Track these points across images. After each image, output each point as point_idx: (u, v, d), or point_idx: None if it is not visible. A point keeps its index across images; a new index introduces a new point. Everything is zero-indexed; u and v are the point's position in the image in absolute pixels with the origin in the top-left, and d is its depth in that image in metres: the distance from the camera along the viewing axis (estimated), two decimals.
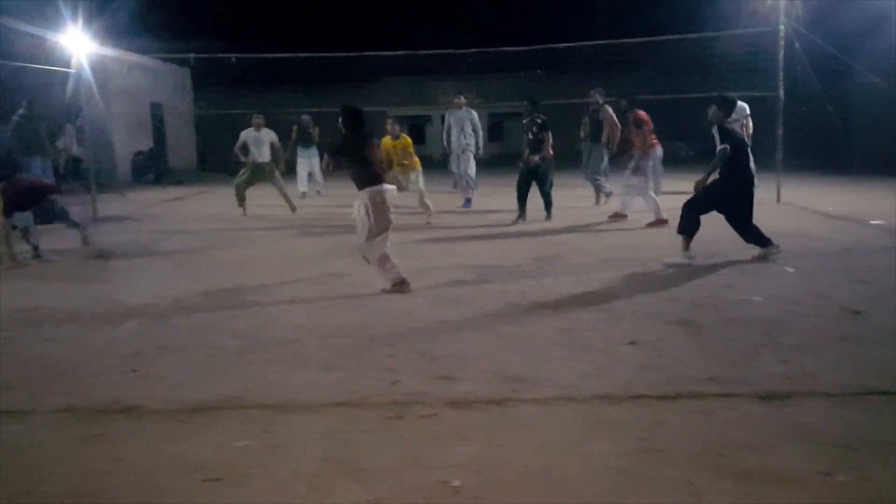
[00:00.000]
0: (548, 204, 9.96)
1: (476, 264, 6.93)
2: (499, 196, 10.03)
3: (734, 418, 3.19)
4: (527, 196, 9.84)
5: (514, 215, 9.81)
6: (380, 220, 5.85)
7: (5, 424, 3.31)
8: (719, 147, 6.65)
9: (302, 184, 14.81)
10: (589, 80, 15.76)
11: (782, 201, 11.17)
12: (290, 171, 12.92)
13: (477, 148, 11.93)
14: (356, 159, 5.96)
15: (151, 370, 4.02)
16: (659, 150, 9.78)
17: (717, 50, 13.74)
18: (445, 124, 12.25)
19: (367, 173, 5.92)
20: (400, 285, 5.78)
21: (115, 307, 5.54)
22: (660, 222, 9.10)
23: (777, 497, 2.54)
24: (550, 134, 9.71)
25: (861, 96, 17.79)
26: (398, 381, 3.73)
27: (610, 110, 11.26)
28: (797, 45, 11.21)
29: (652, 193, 9.44)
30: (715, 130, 6.76)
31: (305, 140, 14.67)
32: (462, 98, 12.29)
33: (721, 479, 2.65)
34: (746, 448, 2.90)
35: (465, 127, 11.86)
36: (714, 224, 6.99)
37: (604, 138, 11.25)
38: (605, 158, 11.52)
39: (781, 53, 11.23)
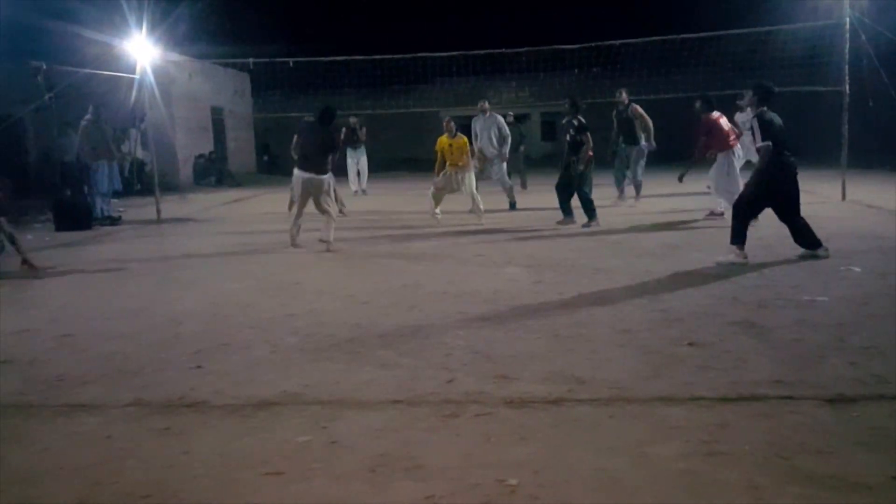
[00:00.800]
0: (587, 209, 9.39)
1: (530, 264, 6.91)
2: (551, 195, 9.94)
3: (799, 422, 3.11)
4: (568, 200, 9.65)
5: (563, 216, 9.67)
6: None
7: (79, 418, 3.44)
8: (760, 144, 6.47)
9: (353, 183, 15.09)
10: (645, 78, 15.56)
11: (848, 199, 10.81)
12: (340, 171, 13.14)
13: (502, 154, 11.65)
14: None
15: (215, 367, 4.13)
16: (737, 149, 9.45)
17: (779, 45, 13.34)
18: (472, 131, 11.83)
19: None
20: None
21: (175, 305, 5.71)
22: (715, 214, 9.14)
23: (844, 502, 2.47)
24: (589, 135, 9.38)
25: None
26: (454, 380, 3.75)
27: (637, 107, 11.26)
28: (863, 37, 10.83)
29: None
30: (755, 124, 6.52)
31: (354, 140, 14.97)
32: (485, 103, 11.91)
33: (786, 484, 2.58)
34: (812, 452, 2.82)
35: (490, 133, 11.55)
36: (769, 222, 6.81)
37: (643, 139, 11.25)
38: (643, 159, 11.53)
39: (847, 47, 10.86)
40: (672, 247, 7.65)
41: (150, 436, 3.20)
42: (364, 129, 15.26)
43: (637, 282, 5.97)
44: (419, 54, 14.89)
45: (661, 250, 7.47)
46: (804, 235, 6.70)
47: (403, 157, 25.56)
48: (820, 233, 7.26)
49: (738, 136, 9.45)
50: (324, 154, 8.08)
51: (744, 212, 6.69)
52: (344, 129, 14.94)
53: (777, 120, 6.65)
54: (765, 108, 6.63)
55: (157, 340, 4.72)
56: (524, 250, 7.73)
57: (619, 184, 11.77)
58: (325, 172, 8.10)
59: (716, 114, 9.16)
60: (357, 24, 31.09)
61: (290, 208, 8.43)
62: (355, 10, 31.73)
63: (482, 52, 14.68)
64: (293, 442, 3.08)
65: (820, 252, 6.66)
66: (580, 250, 7.59)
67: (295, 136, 8.38)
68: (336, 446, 3.04)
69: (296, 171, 8.15)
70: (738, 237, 6.62)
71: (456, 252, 7.80)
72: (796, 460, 2.75)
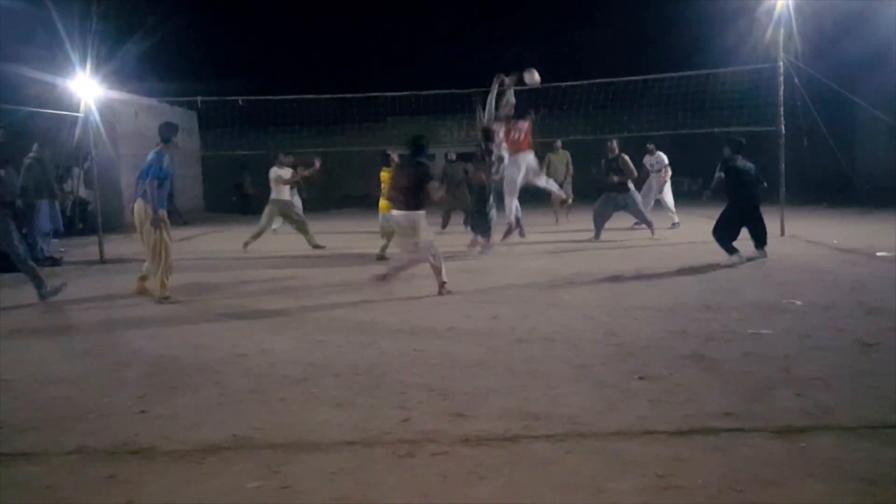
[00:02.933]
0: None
1: (484, 300, 6.92)
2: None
3: (751, 454, 3.16)
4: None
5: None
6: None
7: (19, 466, 3.29)
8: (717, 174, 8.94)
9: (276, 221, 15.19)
10: (588, 119, 15.96)
11: (787, 234, 11.18)
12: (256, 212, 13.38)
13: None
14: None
15: (162, 411, 4.00)
16: None
17: (718, 87, 13.86)
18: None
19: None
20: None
21: (122, 348, 5.54)
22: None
23: None
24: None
25: (864, 129, 17.94)
26: (410, 419, 3.71)
27: (626, 157, 11.93)
28: (796, 80, 11.32)
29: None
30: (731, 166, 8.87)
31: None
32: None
33: None
34: (765, 484, 2.87)
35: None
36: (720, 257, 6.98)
37: (625, 182, 11.88)
38: (638, 197, 12.29)
39: (781, 89, 11.34)
40: (622, 281, 7.77)
41: (93, 484, 3.07)
42: (299, 169, 15.50)
43: (590, 316, 6.04)
44: (370, 94, 15.01)
45: (612, 285, 7.58)
46: (724, 239, 8.80)
47: (354, 195, 25.62)
48: (762, 267, 7.51)
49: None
50: (415, 189, 7.41)
51: (722, 230, 8.89)
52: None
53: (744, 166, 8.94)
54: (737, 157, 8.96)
55: (101, 384, 4.56)
56: (477, 286, 7.75)
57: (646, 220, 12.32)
58: (419, 208, 7.45)
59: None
60: (308, 62, 31.23)
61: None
62: (307, 49, 31.89)
63: (432, 92, 14.87)
64: (244, 488, 2.99)
65: (734, 259, 8.60)
66: (534, 286, 7.65)
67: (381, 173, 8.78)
68: (289, 491, 2.96)
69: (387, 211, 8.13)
70: (729, 248, 8.75)
71: (410, 289, 7.77)
72: (750, 493, 2.79)
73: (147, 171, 7.33)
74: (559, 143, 15.23)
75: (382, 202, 10.05)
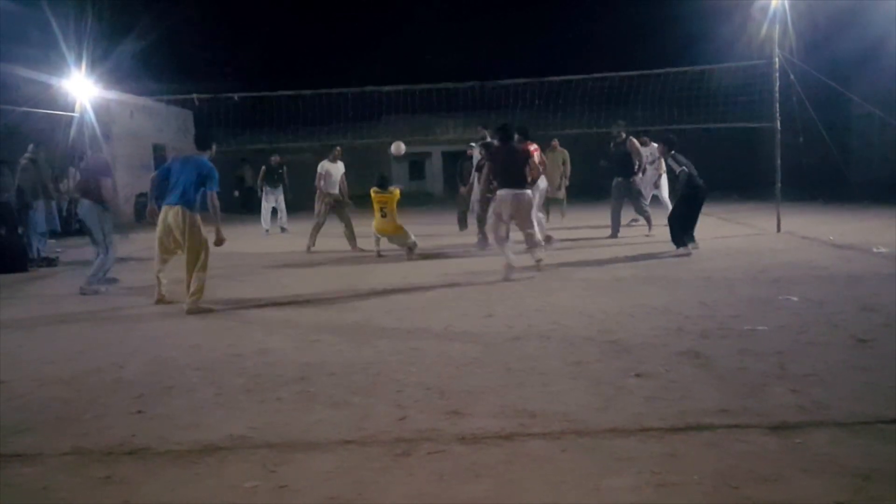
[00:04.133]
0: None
1: (480, 298, 6.93)
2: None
3: (746, 450, 3.16)
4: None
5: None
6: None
7: (15, 468, 3.28)
8: (679, 170, 9.23)
9: (266, 222, 15.15)
10: (584, 114, 15.95)
11: (783, 231, 11.20)
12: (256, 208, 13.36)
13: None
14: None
15: (158, 411, 4.00)
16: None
17: (713, 82, 13.87)
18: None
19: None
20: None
21: (118, 349, 5.53)
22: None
23: None
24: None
25: (859, 125, 17.97)
26: (406, 417, 3.72)
27: (634, 141, 11.99)
28: (792, 76, 11.34)
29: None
30: (671, 160, 9.40)
31: (274, 180, 15.35)
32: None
33: None
34: (760, 480, 2.87)
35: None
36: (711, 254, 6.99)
37: (637, 169, 11.97)
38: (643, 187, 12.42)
39: (777, 85, 11.36)
40: (618, 279, 7.78)
41: (89, 485, 3.07)
42: (285, 169, 15.60)
43: (586, 313, 6.05)
44: (366, 88, 14.98)
45: (609, 282, 7.59)
46: (677, 233, 9.35)
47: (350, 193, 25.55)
48: (757, 264, 7.53)
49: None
50: (521, 169, 8.22)
51: (675, 222, 9.39)
52: (262, 168, 15.47)
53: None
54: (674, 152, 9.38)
55: (97, 385, 4.56)
56: (474, 284, 7.75)
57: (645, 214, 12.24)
58: (527, 187, 8.29)
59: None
60: (303, 60, 31.18)
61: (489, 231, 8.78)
62: (302, 45, 31.83)
63: (428, 86, 14.85)
64: (240, 488, 3.00)
65: (681, 251, 9.18)
66: (529, 284, 7.66)
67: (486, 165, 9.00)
68: (285, 491, 2.96)
69: (502, 192, 8.19)
70: (680, 241, 9.28)
71: (405, 287, 7.77)
72: (745, 489, 2.80)
73: (195, 180, 6.92)
74: (556, 141, 14.95)
75: (378, 223, 10.14)
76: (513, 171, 8.20)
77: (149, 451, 3.41)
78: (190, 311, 6.78)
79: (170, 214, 6.92)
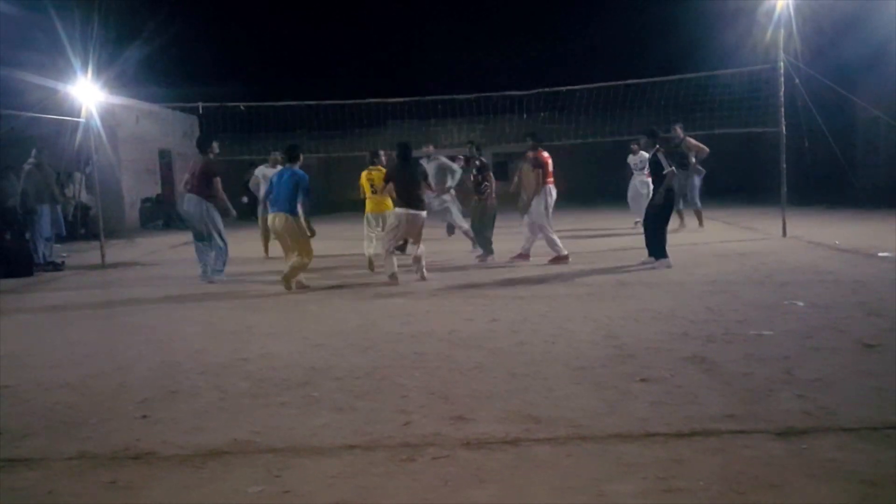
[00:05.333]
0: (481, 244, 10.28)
1: (484, 302, 6.92)
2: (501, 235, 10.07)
3: (752, 456, 3.15)
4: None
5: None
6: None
7: (20, 472, 3.29)
8: (668, 170, 8.56)
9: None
10: (590, 121, 15.96)
11: (788, 235, 11.17)
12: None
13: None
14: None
15: (163, 415, 4.00)
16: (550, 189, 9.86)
17: (718, 88, 13.87)
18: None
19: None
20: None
21: (123, 353, 5.54)
22: (560, 259, 9.50)
23: None
24: (491, 175, 10.26)
25: (864, 129, 17.89)
26: (410, 422, 3.71)
27: (691, 140, 12.61)
28: (797, 80, 11.32)
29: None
30: (661, 156, 8.70)
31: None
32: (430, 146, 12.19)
33: None
34: (766, 486, 2.86)
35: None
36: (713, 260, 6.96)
37: (693, 164, 12.53)
38: (698, 182, 12.80)
39: (782, 90, 11.34)
40: (623, 283, 7.76)
41: (94, 490, 3.07)
42: None
43: (591, 318, 6.04)
44: (371, 100, 15.02)
45: (613, 287, 7.57)
46: (653, 242, 8.79)
47: (355, 199, 25.62)
48: (763, 268, 7.51)
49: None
50: (415, 189, 8.45)
51: (651, 229, 8.80)
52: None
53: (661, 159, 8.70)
54: (659, 147, 8.81)
55: (102, 389, 4.56)
56: (478, 289, 7.75)
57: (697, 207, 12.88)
58: (422, 208, 8.53)
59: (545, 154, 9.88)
60: (309, 67, 31.26)
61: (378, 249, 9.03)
62: (309, 53, 31.92)
63: (433, 97, 14.88)
64: (244, 493, 2.99)
65: (661, 263, 8.62)
66: (532, 288, 7.65)
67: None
68: (290, 496, 2.96)
69: (398, 210, 8.56)
70: (658, 252, 8.70)
71: (409, 291, 7.77)
72: (751, 495, 2.79)
73: (292, 187, 8.08)
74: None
75: (371, 203, 9.94)
76: (409, 191, 8.43)
77: (153, 456, 3.41)
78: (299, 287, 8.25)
79: (279, 219, 8.15)
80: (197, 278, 9.19)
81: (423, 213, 8.59)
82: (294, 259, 8.19)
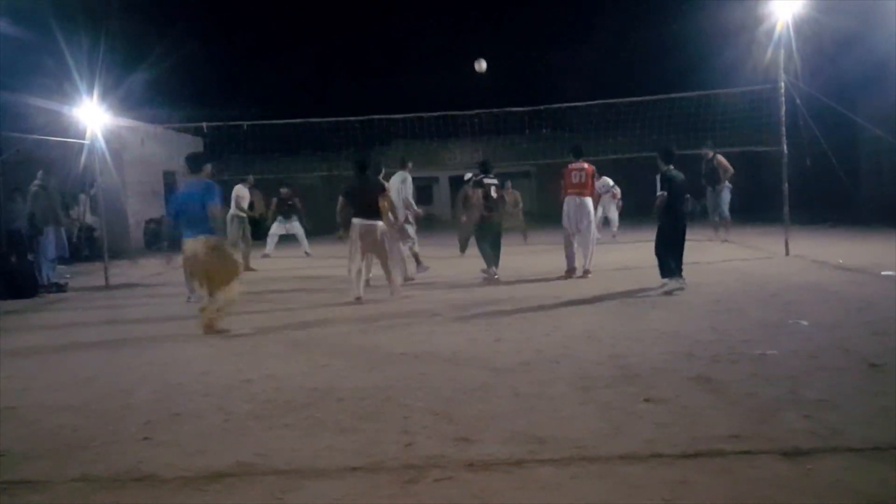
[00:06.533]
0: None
1: (488, 322, 6.91)
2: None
3: (758, 476, 3.13)
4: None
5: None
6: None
7: (23, 496, 3.28)
8: (658, 194, 8.39)
9: (269, 246, 15.36)
10: (592, 139, 16.03)
11: (792, 254, 11.15)
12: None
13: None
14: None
15: (166, 438, 3.99)
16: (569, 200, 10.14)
17: (719, 107, 13.93)
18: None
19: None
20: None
21: (126, 375, 5.54)
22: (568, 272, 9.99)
23: None
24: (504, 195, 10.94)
25: (866, 148, 17.93)
26: (414, 443, 3.69)
27: (721, 158, 13.84)
28: (797, 100, 11.37)
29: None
30: (658, 178, 8.49)
31: (285, 210, 15.60)
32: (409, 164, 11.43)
33: None
34: None
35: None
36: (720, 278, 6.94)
37: (725, 180, 13.86)
38: (727, 197, 14.07)
39: (783, 109, 11.39)
40: (628, 303, 7.75)
41: None
42: (297, 199, 15.86)
43: (595, 338, 6.02)
44: (374, 116, 15.10)
45: (618, 306, 7.56)
46: (666, 265, 8.45)
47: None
48: (767, 287, 7.50)
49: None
50: (372, 200, 8.46)
51: (661, 252, 8.48)
52: (274, 200, 15.60)
53: (678, 177, 8.41)
54: (670, 167, 8.44)
55: (105, 411, 4.56)
56: (481, 308, 7.74)
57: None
58: (378, 218, 8.46)
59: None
60: (313, 87, 31.48)
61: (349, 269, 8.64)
62: (313, 71, 32.16)
63: (437, 114, 14.96)
64: None
65: (672, 284, 8.35)
66: (536, 307, 7.64)
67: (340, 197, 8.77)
68: None
69: (354, 221, 8.47)
70: (668, 272, 8.39)
71: (411, 311, 7.77)
72: None
73: (205, 203, 6.77)
74: (509, 184, 16.48)
75: None
76: (366, 202, 8.49)
77: (156, 478, 3.40)
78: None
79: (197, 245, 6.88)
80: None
81: (379, 223, 8.47)
82: (219, 295, 6.82)
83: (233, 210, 12.11)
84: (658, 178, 8.55)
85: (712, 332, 6.10)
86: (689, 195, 9.03)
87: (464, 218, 12.56)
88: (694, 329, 6.23)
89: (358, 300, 8.35)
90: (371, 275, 9.22)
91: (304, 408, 4.42)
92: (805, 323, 6.27)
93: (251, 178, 13.13)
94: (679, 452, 3.42)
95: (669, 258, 8.40)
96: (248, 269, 11.75)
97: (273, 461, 3.55)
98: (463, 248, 13.38)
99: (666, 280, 8.44)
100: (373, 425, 4.03)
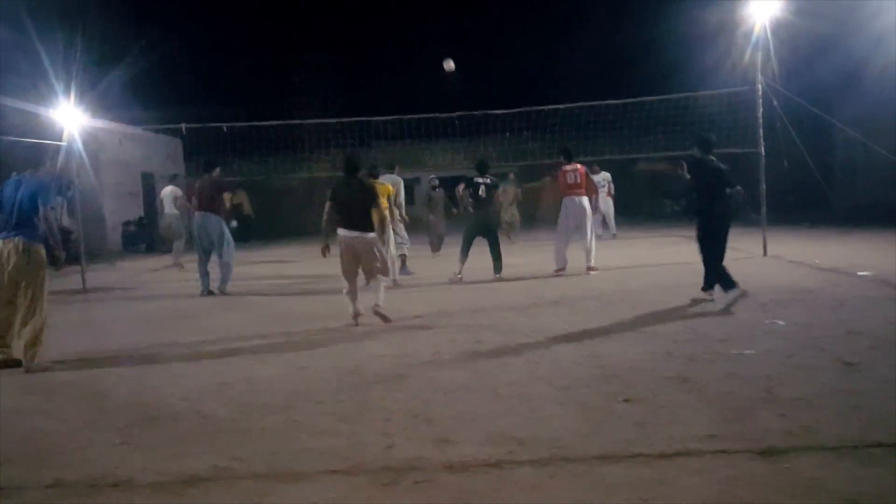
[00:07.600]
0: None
1: (468, 324, 6.91)
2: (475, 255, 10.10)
3: (734, 476, 3.15)
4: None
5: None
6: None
7: None
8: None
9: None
10: (572, 141, 16.10)
11: (769, 254, 11.26)
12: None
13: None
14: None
15: (141, 442, 3.94)
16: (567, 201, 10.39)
17: (697, 109, 14.05)
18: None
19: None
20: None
21: (102, 379, 5.47)
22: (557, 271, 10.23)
23: None
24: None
25: (842, 150, 18.18)
26: (393, 446, 3.68)
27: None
28: (775, 102, 11.49)
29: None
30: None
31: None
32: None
33: None
34: None
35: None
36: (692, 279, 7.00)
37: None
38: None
39: (760, 111, 11.50)
40: (607, 303, 7.78)
41: None
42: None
43: (574, 338, 6.04)
44: (355, 118, 15.07)
45: (597, 306, 7.59)
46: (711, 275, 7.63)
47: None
48: (745, 287, 7.55)
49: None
50: (358, 208, 7.14)
51: (709, 262, 7.62)
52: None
53: (710, 165, 7.65)
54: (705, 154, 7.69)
55: (80, 416, 4.50)
56: (461, 310, 7.74)
57: None
58: (369, 230, 7.17)
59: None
60: (293, 89, 31.31)
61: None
62: (292, 73, 32.00)
63: (417, 116, 14.96)
64: None
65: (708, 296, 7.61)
66: (517, 310, 7.65)
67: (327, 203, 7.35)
68: None
69: (341, 232, 7.14)
70: (725, 285, 7.48)
71: (392, 312, 7.74)
72: None
73: (35, 201, 6.21)
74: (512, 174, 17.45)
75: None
76: (354, 211, 7.12)
77: (132, 483, 3.36)
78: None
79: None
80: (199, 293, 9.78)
81: (369, 236, 7.13)
82: (30, 323, 5.84)
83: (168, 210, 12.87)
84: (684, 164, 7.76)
85: (690, 331, 6.14)
86: (738, 187, 7.70)
87: (431, 217, 13.03)
88: (671, 328, 6.27)
89: (356, 319, 7.23)
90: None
91: (282, 410, 4.39)
92: (782, 322, 6.33)
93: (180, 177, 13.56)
94: (656, 452, 3.43)
95: (705, 264, 7.59)
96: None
97: (251, 465, 3.52)
98: (435, 248, 13.68)
99: (705, 293, 7.59)
100: (351, 427, 4.01)
